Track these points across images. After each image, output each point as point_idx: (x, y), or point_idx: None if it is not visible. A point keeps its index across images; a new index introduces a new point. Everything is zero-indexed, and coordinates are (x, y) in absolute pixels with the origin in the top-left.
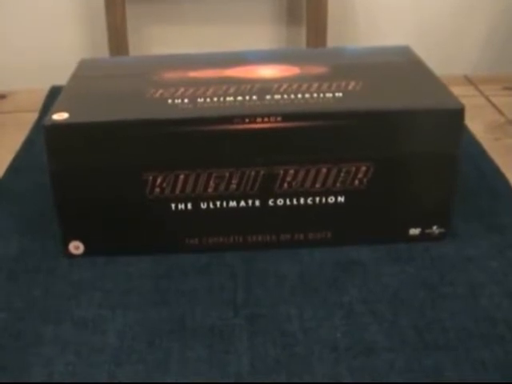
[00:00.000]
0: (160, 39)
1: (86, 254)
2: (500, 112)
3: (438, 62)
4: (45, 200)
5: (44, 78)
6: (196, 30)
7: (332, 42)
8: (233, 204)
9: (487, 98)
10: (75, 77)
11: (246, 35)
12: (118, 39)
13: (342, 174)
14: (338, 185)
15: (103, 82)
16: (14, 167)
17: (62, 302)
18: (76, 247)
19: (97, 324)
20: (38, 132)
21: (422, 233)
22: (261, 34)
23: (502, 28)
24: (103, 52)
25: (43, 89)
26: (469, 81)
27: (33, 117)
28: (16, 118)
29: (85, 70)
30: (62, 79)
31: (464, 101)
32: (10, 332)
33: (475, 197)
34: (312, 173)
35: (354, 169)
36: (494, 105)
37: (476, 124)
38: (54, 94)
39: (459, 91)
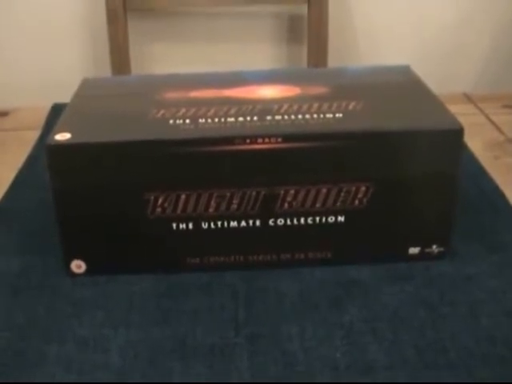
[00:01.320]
0: (161, 56)
1: (88, 272)
2: (499, 130)
3: (438, 80)
4: (47, 218)
5: (46, 95)
6: (197, 48)
7: (333, 60)
8: (234, 224)
9: (487, 116)
10: (77, 96)
11: (247, 53)
12: (120, 56)
13: (342, 194)
14: (338, 205)
15: (105, 102)
16: (17, 184)
17: (64, 321)
18: (78, 266)
19: (99, 343)
20: (40, 150)
21: (421, 252)
22: (262, 52)
23: (501, 47)
24: (105, 69)
25: (45, 106)
26: (468, 99)
27: (35, 134)
28: (18, 136)
29: (87, 90)
30: (63, 96)
31: (463, 119)
32: (13, 351)
33: (474, 215)
34: (312, 193)
35: (354, 189)
36: (493, 123)
37: (475, 142)
38: (56, 111)
39: (459, 109)
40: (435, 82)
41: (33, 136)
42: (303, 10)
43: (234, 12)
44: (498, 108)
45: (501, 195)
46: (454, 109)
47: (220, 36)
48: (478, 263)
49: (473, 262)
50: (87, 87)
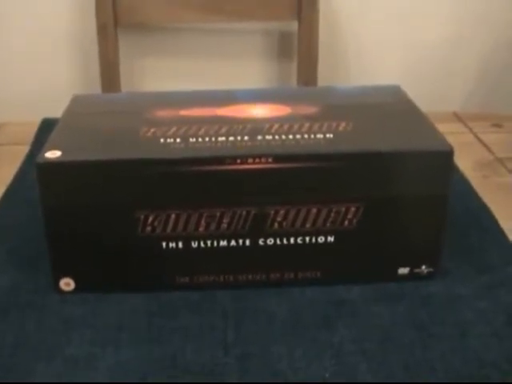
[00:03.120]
0: (151, 71)
1: (77, 290)
2: (489, 149)
3: (428, 99)
4: (36, 234)
5: (35, 110)
6: (187, 63)
7: (322, 78)
8: (224, 243)
9: (476, 135)
10: (68, 113)
11: (237, 69)
12: (110, 71)
13: (332, 215)
14: (327, 225)
15: (96, 120)
16: (6, 200)
17: (53, 339)
18: (67, 284)
19: (88, 361)
20: (29, 166)
21: (410, 272)
22: (252, 68)
23: (490, 67)
24: (95, 83)
25: (35, 121)
26: (458, 118)
27: (24, 149)
28: (7, 151)
29: (78, 107)
30: (53, 111)
31: (453, 138)
32: (1, 368)
33: (463, 235)
34: (302, 213)
35: (343, 209)
36: (482, 142)
37: (465, 161)
38: (46, 126)
39: (448, 128)
40: (425, 100)
41: (22, 151)
42: (293, 27)
43: (225, 28)
44: (487, 127)
45: (489, 215)
46: (444, 128)
47: (210, 52)
48: (467, 283)
49: (462, 283)
50: (78, 104)
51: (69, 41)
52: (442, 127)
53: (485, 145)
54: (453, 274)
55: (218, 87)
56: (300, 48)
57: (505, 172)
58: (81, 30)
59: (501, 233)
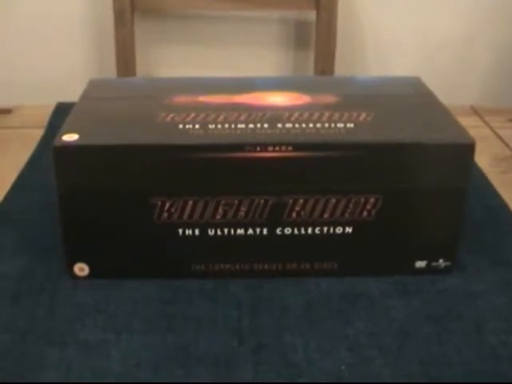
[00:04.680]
0: (167, 58)
1: (90, 276)
2: (506, 144)
3: (444, 92)
4: (49, 220)
5: (50, 94)
6: (203, 51)
7: (339, 68)
8: (240, 232)
9: (493, 130)
10: (85, 97)
11: (253, 57)
12: (125, 57)
13: (351, 205)
14: (346, 216)
15: (113, 104)
16: (19, 185)
17: (66, 325)
18: (81, 269)
19: (101, 348)
20: (43, 150)
21: (428, 265)
22: (268, 57)
23: (507, 60)
24: (110, 68)
25: (49, 105)
26: (474, 111)
27: (38, 133)
28: (21, 134)
29: (94, 91)
30: (68, 95)
31: (470, 132)
32: (13, 354)
33: (481, 230)
34: (321, 203)
35: (362, 200)
36: (499, 137)
37: (482, 156)
38: (60, 110)
39: (465, 122)
40: (441, 94)
41: (36, 135)
42: (311, 16)
43: (242, 16)
44: (504, 122)
45: (507, 211)
46: (460, 121)
47: (226, 40)
48: (484, 279)
49: (479, 278)
50: (94, 89)
51: (85, 25)
52: (459, 121)
53: (502, 140)
54: (469, 269)
55: (234, 75)
56: (318, 37)
57: None
58: (97, 14)
59: None
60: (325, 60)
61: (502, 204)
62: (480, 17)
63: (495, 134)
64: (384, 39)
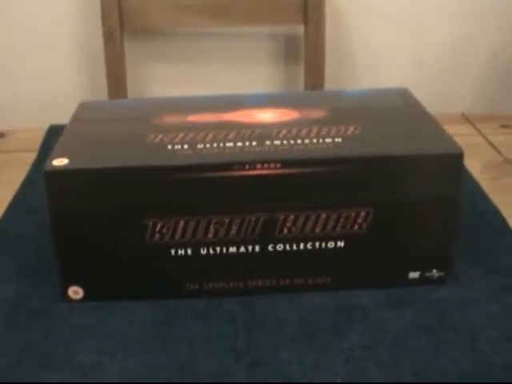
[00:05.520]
0: (158, 77)
1: (85, 298)
2: (497, 151)
3: (436, 100)
4: (44, 242)
5: (42, 117)
6: (193, 68)
7: (330, 81)
8: (233, 249)
9: (484, 137)
10: (75, 120)
11: (243, 73)
12: (116, 76)
13: (342, 219)
14: (337, 230)
15: (103, 127)
16: (13, 208)
17: (61, 348)
18: (75, 292)
19: (96, 370)
20: (36, 173)
21: (421, 276)
22: (258, 73)
23: (498, 66)
24: (102, 89)
25: (42, 127)
26: (466, 119)
27: (32, 156)
28: (15, 157)
29: (84, 114)
30: (60, 117)
31: (461, 139)
32: (8, 379)
33: (474, 238)
34: (312, 218)
35: (353, 214)
36: (491, 143)
37: (474, 163)
38: (53, 133)
39: (456, 130)
40: (433, 102)
41: (30, 158)
42: (300, 30)
43: (231, 33)
44: (496, 128)
45: (500, 217)
46: (452, 129)
47: (217, 57)
48: (477, 288)
49: (473, 287)
50: (84, 111)
51: (75, 47)
52: (450, 129)
53: (493, 146)
54: (463, 278)
55: (224, 92)
56: (307, 51)
57: None
58: (87, 36)
59: (511, 235)
60: (315, 74)
61: (495, 210)
62: (469, 24)
63: (487, 140)
64: (374, 51)
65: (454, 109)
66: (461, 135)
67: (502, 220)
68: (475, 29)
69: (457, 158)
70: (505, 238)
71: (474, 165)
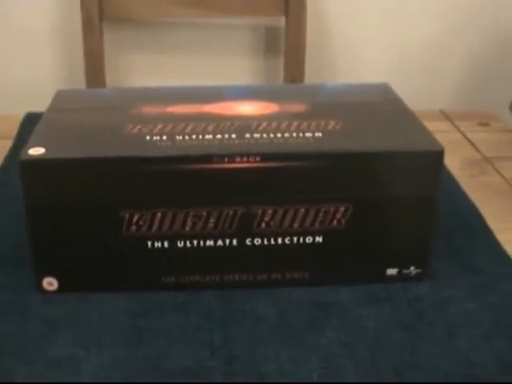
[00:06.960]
0: (137, 66)
1: (59, 290)
2: (476, 148)
3: (415, 97)
4: (19, 232)
5: (19, 104)
6: (173, 59)
7: (310, 75)
8: (210, 243)
9: (463, 134)
10: (52, 109)
11: (223, 64)
12: (94, 65)
13: (321, 215)
14: (316, 225)
15: (80, 116)
16: None
17: (34, 340)
18: (50, 283)
19: (70, 363)
20: (11, 161)
21: (399, 273)
22: (238, 64)
23: (477, 64)
24: (79, 77)
25: (18, 115)
26: (445, 116)
27: (7, 144)
28: None
29: (62, 102)
30: (37, 105)
31: (440, 136)
32: None
33: (451, 235)
34: (290, 213)
35: (332, 209)
36: (469, 141)
37: (452, 160)
38: (29, 121)
39: (435, 126)
40: (412, 98)
41: (5, 146)
42: (281, 22)
43: (212, 24)
44: (474, 126)
45: (477, 215)
46: (431, 126)
47: (197, 47)
48: (455, 285)
49: (450, 284)
50: (62, 100)
51: (54, 34)
52: (429, 125)
53: (472, 144)
54: (441, 275)
55: (204, 83)
56: (287, 44)
57: (492, 171)
58: (66, 23)
59: (489, 233)
60: (295, 67)
61: (472, 208)
62: (449, 22)
63: (465, 137)
64: (353, 46)
65: (433, 105)
66: (440, 132)
67: (480, 218)
68: (455, 27)
69: (437, 155)
70: (482, 236)
71: (452, 162)
